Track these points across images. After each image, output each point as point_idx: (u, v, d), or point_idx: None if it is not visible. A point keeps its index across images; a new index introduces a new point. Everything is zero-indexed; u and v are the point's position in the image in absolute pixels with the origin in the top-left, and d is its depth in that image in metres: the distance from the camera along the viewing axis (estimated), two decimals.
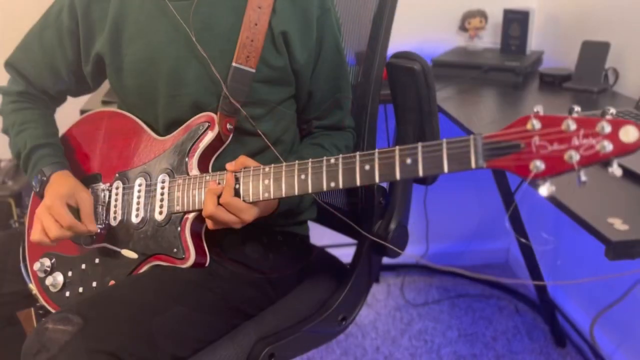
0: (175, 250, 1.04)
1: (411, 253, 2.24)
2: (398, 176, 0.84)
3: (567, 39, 1.90)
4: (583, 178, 0.71)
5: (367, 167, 0.87)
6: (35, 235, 1.07)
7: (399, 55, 1.20)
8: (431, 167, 0.81)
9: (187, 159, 1.06)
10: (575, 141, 0.70)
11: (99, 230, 1.10)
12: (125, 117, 1.17)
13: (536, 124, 0.74)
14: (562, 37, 1.95)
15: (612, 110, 0.71)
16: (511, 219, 1.93)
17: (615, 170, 0.69)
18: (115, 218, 1.11)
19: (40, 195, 1.12)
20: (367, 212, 1.25)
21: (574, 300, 2.03)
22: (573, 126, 0.71)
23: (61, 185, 1.10)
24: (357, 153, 0.88)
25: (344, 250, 1.57)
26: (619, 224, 0.92)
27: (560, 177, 0.73)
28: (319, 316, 1.19)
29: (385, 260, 1.38)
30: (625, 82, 1.66)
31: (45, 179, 1.12)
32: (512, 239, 2.30)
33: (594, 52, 1.67)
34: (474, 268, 2.37)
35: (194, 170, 1.06)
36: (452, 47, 2.06)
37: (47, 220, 1.05)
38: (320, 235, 1.44)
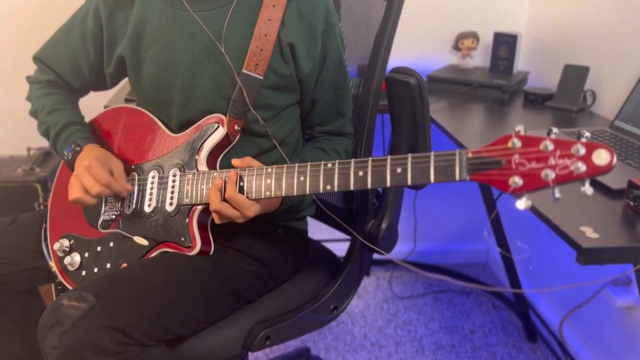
0: (182, 239, 1.03)
1: (399, 252, 2.24)
2: (388, 183, 0.83)
3: (550, 62, 1.89)
4: (557, 195, 0.70)
5: (360, 173, 0.86)
6: (76, 193, 1.05)
7: (397, 70, 1.19)
8: (419, 177, 0.80)
9: (197, 156, 1.05)
10: (552, 161, 0.70)
11: (132, 189, 1.09)
12: (143, 114, 1.17)
13: (517, 142, 0.73)
14: (546, 59, 1.94)
15: (587, 134, 0.70)
16: (492, 223, 1.93)
17: (587, 189, 0.68)
18: (129, 206, 1.10)
19: (71, 164, 1.11)
20: (362, 211, 1.25)
21: (546, 300, 2.03)
22: (550, 147, 0.70)
23: (95, 151, 1.10)
24: (352, 160, 0.87)
25: (339, 244, 1.56)
26: (590, 232, 0.91)
27: (537, 192, 0.72)
28: (313, 304, 1.19)
29: (376, 255, 1.38)
30: (601, 104, 1.65)
31: (78, 148, 1.11)
32: (492, 241, 2.29)
33: (575, 75, 1.66)
34: (457, 266, 2.36)
35: (203, 167, 1.05)
36: (446, 64, 2.05)
37: (86, 179, 1.04)
38: (318, 230, 1.43)
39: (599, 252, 0.88)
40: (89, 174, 1.04)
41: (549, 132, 0.72)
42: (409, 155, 0.81)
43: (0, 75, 1.93)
